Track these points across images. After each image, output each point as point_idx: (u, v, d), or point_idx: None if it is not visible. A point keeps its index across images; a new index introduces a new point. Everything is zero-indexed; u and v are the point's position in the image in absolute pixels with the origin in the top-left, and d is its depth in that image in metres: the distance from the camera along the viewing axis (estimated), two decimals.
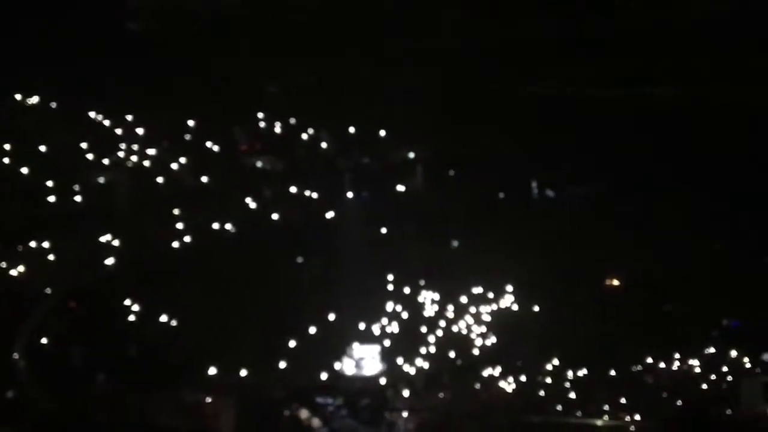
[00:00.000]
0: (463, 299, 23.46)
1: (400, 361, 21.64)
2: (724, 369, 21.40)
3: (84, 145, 23.87)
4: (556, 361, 21.92)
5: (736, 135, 23.59)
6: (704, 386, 20.91)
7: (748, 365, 21.49)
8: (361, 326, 22.14)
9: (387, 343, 21.94)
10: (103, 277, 21.88)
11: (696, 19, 24.05)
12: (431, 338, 22.41)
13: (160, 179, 24.05)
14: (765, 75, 23.75)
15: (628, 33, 24.04)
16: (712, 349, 22.36)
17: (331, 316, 22.18)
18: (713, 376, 21.22)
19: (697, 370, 21.77)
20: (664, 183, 23.84)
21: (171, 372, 20.00)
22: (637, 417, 18.44)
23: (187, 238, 22.94)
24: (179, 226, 23.01)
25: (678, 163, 23.76)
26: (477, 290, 23.79)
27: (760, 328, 22.10)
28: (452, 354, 22.29)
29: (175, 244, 22.70)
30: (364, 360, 21.44)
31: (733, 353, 21.90)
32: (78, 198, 22.94)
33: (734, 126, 23.66)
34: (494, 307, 23.70)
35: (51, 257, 21.51)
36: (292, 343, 21.28)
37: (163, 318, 21.10)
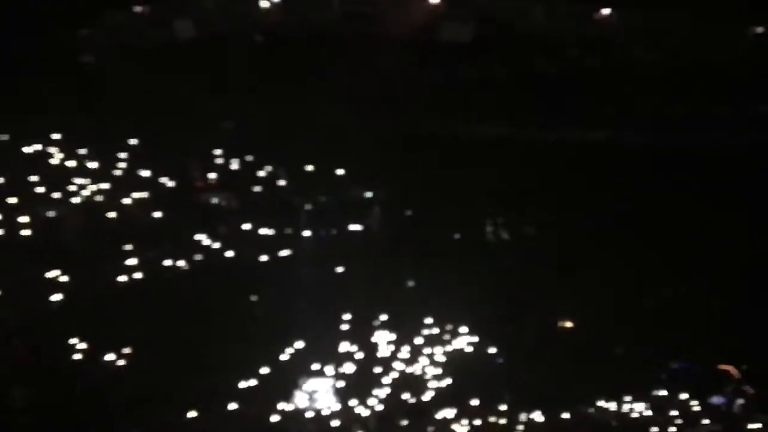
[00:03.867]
0: (418, 340, 23.38)
1: (353, 402, 21.40)
2: (674, 412, 21.63)
3: (34, 179, 23.43)
4: (509, 403, 21.90)
5: (686, 175, 24.14)
6: (654, 429, 21.07)
7: (696, 408, 21.76)
8: (315, 366, 21.90)
9: (341, 383, 21.72)
10: (49, 314, 21.34)
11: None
12: (385, 379, 22.23)
13: (111, 214, 23.66)
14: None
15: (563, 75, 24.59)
16: (662, 392, 22.61)
17: (284, 356, 21.90)
18: (662, 419, 21.42)
19: (648, 413, 21.95)
20: (613, 225, 24.23)
21: (117, 413, 19.53)
22: None
23: (137, 275, 22.53)
24: (130, 262, 22.59)
25: (627, 205, 24.22)
26: (432, 331, 23.75)
27: (709, 370, 22.48)
28: (406, 396, 22.12)
29: (124, 280, 22.25)
30: (317, 393, 21.22)
31: (683, 396, 22.17)
32: (26, 232, 22.45)
33: (690, 167, 24.21)
34: (449, 348, 23.66)
35: None
36: (243, 384, 20.93)
37: (110, 357, 20.62)
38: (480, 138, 25.77)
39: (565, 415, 21.44)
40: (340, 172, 26.04)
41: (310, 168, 25.99)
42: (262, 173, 26.12)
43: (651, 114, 24.54)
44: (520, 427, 21.25)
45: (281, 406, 21.12)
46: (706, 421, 19.29)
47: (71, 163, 24.13)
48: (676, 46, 24.12)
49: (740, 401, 21.12)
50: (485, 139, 25.72)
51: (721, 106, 24.11)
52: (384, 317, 23.39)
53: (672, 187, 23.97)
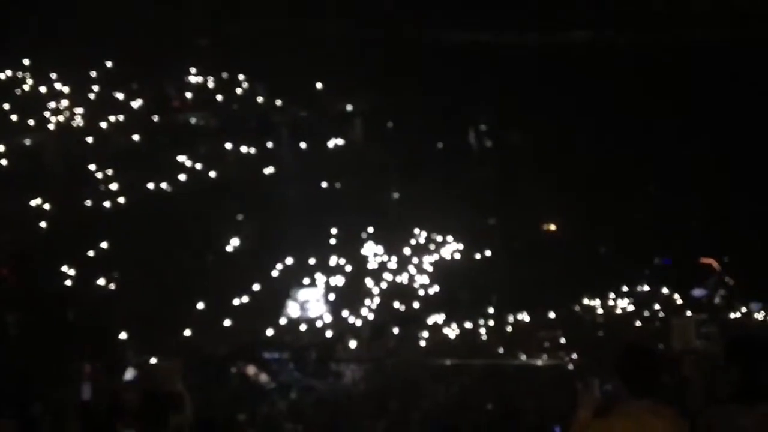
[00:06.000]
0: (406, 250, 23.70)
1: (345, 313, 21.81)
2: (656, 306, 22.34)
3: (6, 106, 22.83)
4: (497, 306, 22.47)
5: (667, 81, 24.10)
6: (638, 323, 21.80)
7: (679, 302, 22.47)
8: (306, 281, 22.17)
9: (332, 296, 22.05)
10: (36, 242, 21.21)
11: None
12: (376, 290, 22.62)
13: (89, 139, 23.26)
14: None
15: None
16: (645, 287, 23.29)
17: (275, 273, 22.11)
18: (646, 313, 22.14)
19: (631, 308, 22.66)
20: (597, 127, 24.31)
21: (111, 335, 19.72)
22: (575, 355, 19.14)
23: (121, 199, 22.36)
24: (112, 186, 22.37)
25: (609, 107, 24.22)
26: (419, 241, 24.05)
27: (689, 264, 23.13)
28: (397, 304, 22.58)
29: (108, 205, 22.08)
30: (308, 303, 21.55)
31: (665, 290, 22.87)
32: (3, 162, 22.05)
33: (663, 71, 24.16)
34: (436, 257, 24.03)
35: None
36: (235, 301, 21.19)
37: (101, 281, 20.69)
38: (460, 45, 25.40)
39: (551, 315, 22.05)
40: (319, 85, 25.68)
41: (288, 82, 25.60)
42: (239, 90, 25.68)
43: (634, 10, 24.25)
44: (508, 328, 21.87)
45: (275, 320, 21.46)
46: (688, 313, 19.98)
47: (43, 89, 23.54)
48: None
49: (722, 292, 21.81)
50: (465, 46, 25.37)
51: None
52: (371, 229, 23.59)
53: (650, 90, 23.95)
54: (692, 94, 23.68)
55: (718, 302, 21.62)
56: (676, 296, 22.67)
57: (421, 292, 23.19)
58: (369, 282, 22.66)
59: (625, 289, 23.15)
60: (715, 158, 23.25)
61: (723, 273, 22.44)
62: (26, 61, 23.44)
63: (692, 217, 22.83)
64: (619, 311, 22.73)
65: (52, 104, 23.40)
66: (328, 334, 21.43)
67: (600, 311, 22.63)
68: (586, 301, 22.80)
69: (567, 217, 24.70)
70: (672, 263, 23.58)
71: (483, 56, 24.82)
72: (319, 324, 21.51)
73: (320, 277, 22.18)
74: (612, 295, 22.93)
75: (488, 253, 24.11)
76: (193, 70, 25.29)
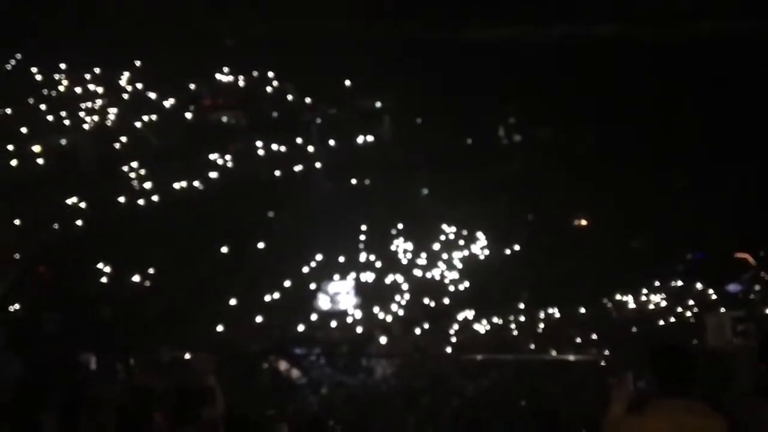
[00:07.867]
0: (435, 246, 23.68)
1: (376, 309, 21.87)
2: (690, 302, 21.98)
3: (42, 107, 23.31)
4: (527, 302, 22.31)
5: (699, 76, 23.72)
6: (671, 319, 21.48)
7: (713, 297, 22.09)
8: (336, 277, 22.29)
9: (363, 292, 22.12)
10: (72, 240, 21.64)
11: None
12: (406, 286, 22.65)
13: (123, 138, 23.65)
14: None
15: None
16: (678, 283, 22.93)
17: (305, 269, 22.27)
18: (679, 309, 21.79)
19: (664, 303, 22.32)
20: (629, 121, 24.01)
21: (147, 331, 20.01)
22: (607, 351, 18.93)
23: (154, 197, 22.72)
24: (146, 185, 22.74)
25: (641, 101, 23.93)
26: (448, 237, 24.02)
27: (724, 259, 22.72)
28: (427, 300, 22.57)
29: (142, 203, 22.45)
30: (339, 295, 21.68)
31: (699, 286, 22.48)
32: (40, 161, 22.52)
33: (690, 62, 23.77)
34: (465, 252, 23.97)
35: (17, 222, 21.18)
36: (267, 298, 21.38)
37: (136, 278, 21.02)
38: (487, 40, 25.28)
39: (583, 310, 21.83)
40: (347, 83, 25.76)
41: (317, 81, 25.73)
42: (269, 89, 25.88)
43: (660, 6, 23.90)
44: (539, 324, 21.70)
45: (306, 316, 21.61)
46: (723, 309, 19.61)
47: (78, 90, 23.96)
48: None
49: (757, 287, 21.36)
50: (493, 42, 25.25)
51: None
52: (401, 226, 23.61)
53: (682, 84, 23.58)
54: (725, 88, 23.31)
55: (753, 298, 21.18)
56: (711, 292, 22.26)
57: (451, 288, 23.15)
58: (399, 278, 22.70)
59: (657, 284, 22.81)
60: (750, 152, 22.83)
61: (759, 268, 21.99)
62: (62, 64, 23.89)
63: (727, 211, 22.39)
64: (651, 307, 22.41)
65: (87, 105, 23.82)
66: (359, 330, 21.53)
67: (632, 307, 22.33)
68: (618, 296, 22.53)
69: (598, 211, 24.44)
70: (706, 258, 23.17)
71: (512, 52, 24.67)
72: (349, 320, 21.61)
73: (350, 274, 22.28)
74: (644, 291, 22.60)
75: (518, 248, 23.96)
76: (224, 69, 25.56)
